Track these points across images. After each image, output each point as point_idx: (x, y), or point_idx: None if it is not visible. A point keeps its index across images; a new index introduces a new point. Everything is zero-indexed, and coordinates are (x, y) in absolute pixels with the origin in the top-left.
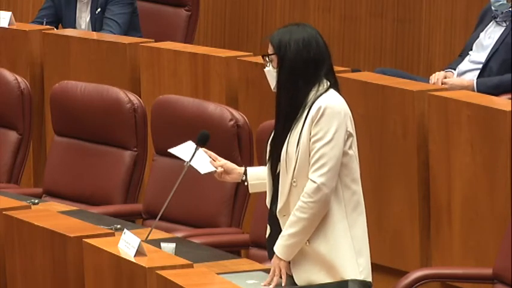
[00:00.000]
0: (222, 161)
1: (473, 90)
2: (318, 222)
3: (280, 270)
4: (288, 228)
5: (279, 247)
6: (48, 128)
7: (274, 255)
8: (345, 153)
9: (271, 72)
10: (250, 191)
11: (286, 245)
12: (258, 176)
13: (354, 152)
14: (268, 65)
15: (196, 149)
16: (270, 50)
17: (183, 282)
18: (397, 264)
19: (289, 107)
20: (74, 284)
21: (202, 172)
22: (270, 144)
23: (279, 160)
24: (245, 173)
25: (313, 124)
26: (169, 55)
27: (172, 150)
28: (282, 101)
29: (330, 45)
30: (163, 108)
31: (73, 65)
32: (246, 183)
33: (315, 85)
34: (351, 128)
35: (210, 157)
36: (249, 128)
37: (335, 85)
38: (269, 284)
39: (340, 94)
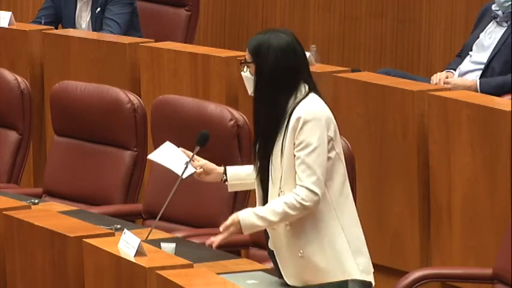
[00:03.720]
0: (201, 161)
1: (477, 91)
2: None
3: (228, 235)
4: (268, 213)
5: (248, 222)
6: (48, 128)
7: (237, 219)
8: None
9: (248, 78)
10: (229, 190)
11: (256, 224)
12: (238, 176)
13: (336, 153)
14: (245, 70)
15: (194, 151)
16: (248, 57)
17: (183, 282)
18: (397, 264)
19: (269, 119)
20: (74, 284)
21: (184, 176)
22: (255, 158)
23: (267, 171)
24: (225, 173)
25: (296, 134)
26: (169, 55)
27: (151, 157)
28: (260, 112)
29: (330, 45)
30: (163, 108)
31: (73, 65)
32: (226, 183)
33: (293, 92)
34: (332, 132)
35: (189, 157)
36: (249, 128)
37: (314, 89)
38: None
39: (320, 96)
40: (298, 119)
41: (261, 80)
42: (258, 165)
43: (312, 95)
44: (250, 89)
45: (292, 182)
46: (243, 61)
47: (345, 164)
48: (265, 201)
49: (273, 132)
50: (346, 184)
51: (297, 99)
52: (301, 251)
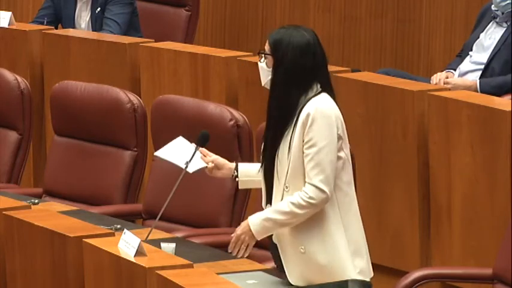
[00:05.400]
0: (212, 157)
1: (477, 91)
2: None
3: (247, 244)
4: (276, 214)
5: (258, 225)
6: (48, 128)
7: (248, 225)
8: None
9: (264, 69)
10: (239, 187)
11: (266, 227)
12: (248, 173)
13: (345, 154)
14: (262, 60)
15: (195, 150)
16: (267, 49)
17: (183, 282)
18: (397, 264)
19: (280, 112)
20: (74, 284)
21: (190, 171)
22: (263, 150)
23: (273, 165)
24: (236, 169)
25: (305, 130)
26: (169, 55)
27: (159, 154)
28: (273, 105)
29: (330, 45)
30: (163, 108)
31: (73, 65)
32: (236, 179)
33: (305, 90)
34: (341, 131)
35: (201, 153)
36: (249, 128)
37: (328, 89)
38: (234, 251)
39: (333, 97)
40: (307, 115)
41: (277, 74)
42: (264, 158)
43: (324, 95)
44: (264, 80)
45: (299, 179)
46: (261, 51)
47: (351, 166)
48: (270, 197)
49: (281, 125)
50: (352, 186)
51: (308, 96)
52: (303, 247)
